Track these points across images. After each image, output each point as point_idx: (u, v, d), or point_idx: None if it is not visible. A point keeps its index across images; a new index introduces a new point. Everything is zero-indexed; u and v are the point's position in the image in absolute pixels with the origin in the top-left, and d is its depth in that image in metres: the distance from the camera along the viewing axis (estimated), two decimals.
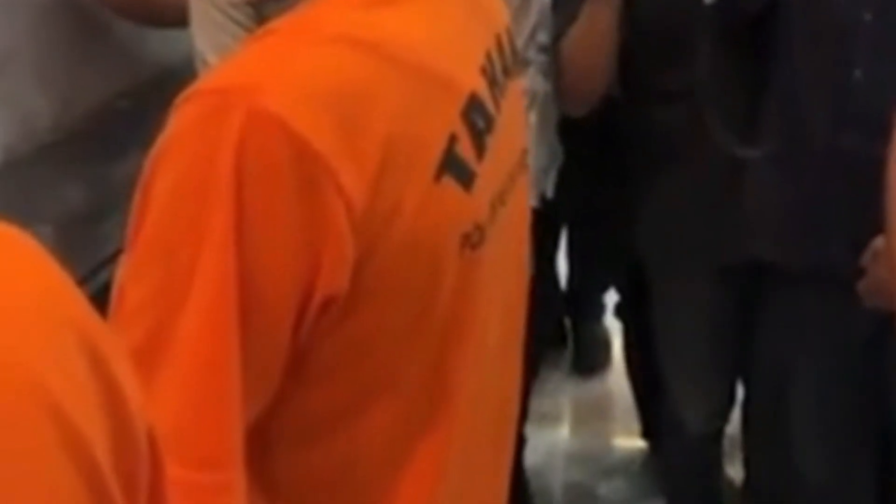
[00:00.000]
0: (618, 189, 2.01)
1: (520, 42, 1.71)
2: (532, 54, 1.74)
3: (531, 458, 2.44)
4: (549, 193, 1.90)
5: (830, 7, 1.61)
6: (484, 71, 0.90)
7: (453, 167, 0.83)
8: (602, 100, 1.86)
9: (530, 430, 2.54)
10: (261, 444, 0.82)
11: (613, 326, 2.77)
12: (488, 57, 0.91)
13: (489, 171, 0.88)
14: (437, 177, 0.82)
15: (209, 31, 1.47)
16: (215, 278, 0.74)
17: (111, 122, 1.67)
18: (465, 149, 0.84)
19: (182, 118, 0.77)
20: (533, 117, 1.75)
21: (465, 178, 0.84)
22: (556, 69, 1.80)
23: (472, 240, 0.86)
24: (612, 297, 2.78)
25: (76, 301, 0.52)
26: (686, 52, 1.72)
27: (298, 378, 0.81)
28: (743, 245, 1.80)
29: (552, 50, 1.78)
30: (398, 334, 0.83)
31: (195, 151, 0.76)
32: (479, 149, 0.86)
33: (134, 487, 0.52)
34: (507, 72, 0.94)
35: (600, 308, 2.86)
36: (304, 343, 0.79)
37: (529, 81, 1.74)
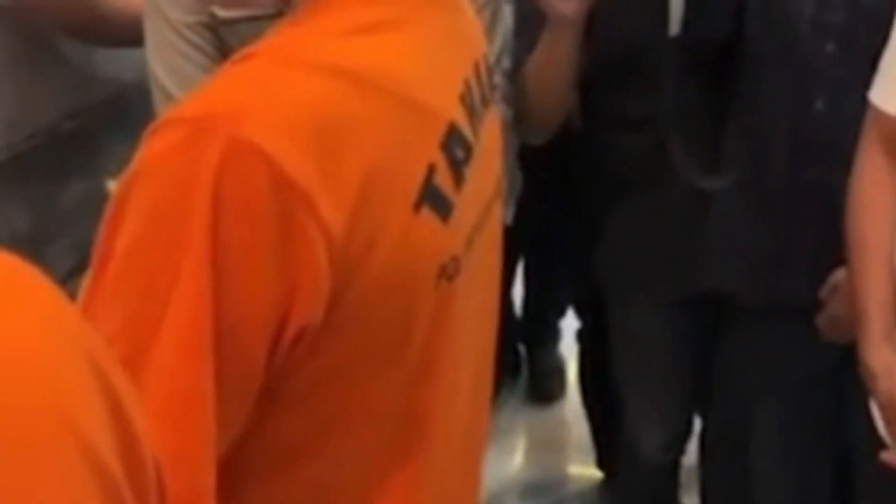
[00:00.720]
0: (576, 216, 2.00)
1: None
2: (497, 79, 1.72)
3: (486, 487, 2.41)
4: (508, 220, 1.88)
5: (793, 38, 1.60)
6: (463, 99, 0.89)
7: (432, 198, 0.82)
8: (561, 127, 1.85)
9: (484, 459, 2.51)
10: (230, 473, 0.80)
11: (569, 354, 2.75)
12: (467, 85, 0.90)
13: (466, 202, 0.87)
14: (416, 208, 0.81)
15: (164, 53, 1.44)
16: (190, 308, 0.73)
17: (57, 143, 1.63)
18: (443, 179, 0.83)
19: (160, 143, 0.75)
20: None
21: (444, 209, 0.84)
22: (515, 96, 1.78)
23: (448, 271, 0.85)
24: (567, 324, 2.76)
25: (83, 326, 0.53)
26: (646, 80, 1.71)
27: (270, 407, 0.80)
28: (703, 276, 1.79)
29: (512, 77, 1.77)
30: (372, 365, 0.82)
31: (173, 177, 0.74)
32: (458, 179, 0.85)
33: None
34: (484, 100, 0.94)
35: (556, 335, 2.84)
36: (277, 372, 0.78)
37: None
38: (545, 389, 2.84)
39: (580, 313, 2.50)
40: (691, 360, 1.99)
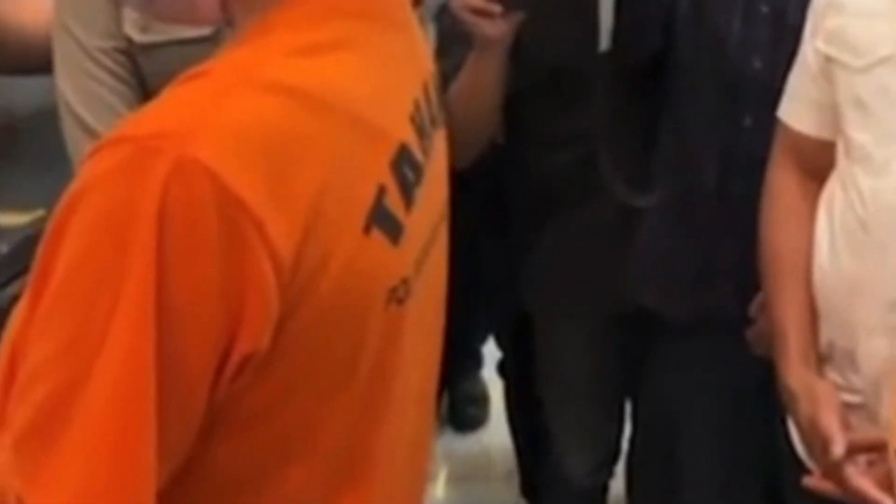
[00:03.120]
0: (500, 236, 1.99)
1: None
2: None
3: None
4: None
5: (721, 54, 1.61)
6: (413, 120, 0.88)
7: (382, 220, 0.81)
8: (488, 145, 1.83)
9: None
10: None
11: (492, 379, 2.73)
12: (416, 106, 0.89)
13: (416, 224, 0.86)
14: (366, 230, 0.79)
15: (76, 77, 1.41)
16: (132, 332, 0.70)
17: None
18: (393, 201, 0.82)
19: (103, 162, 0.73)
20: None
21: (394, 231, 0.82)
22: None
23: (398, 294, 0.83)
24: (490, 349, 2.74)
25: None
26: (575, 96, 1.71)
27: (212, 437, 0.77)
28: (629, 293, 1.79)
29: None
30: (320, 391, 0.80)
31: (116, 197, 0.71)
32: (408, 201, 0.84)
33: None
34: (433, 120, 0.93)
35: (478, 360, 2.82)
36: (220, 399, 0.75)
37: None
38: (467, 416, 2.82)
39: (500, 342, 2.48)
40: (617, 380, 2.00)
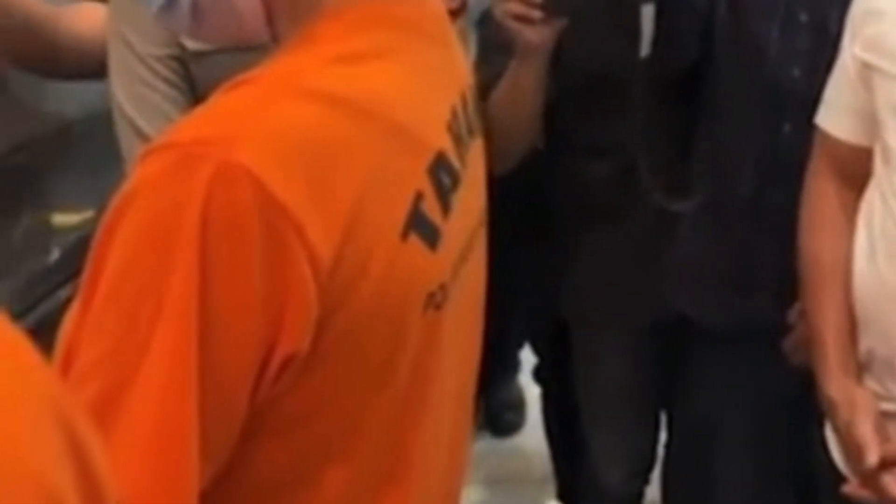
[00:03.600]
0: (540, 245, 1.99)
1: None
2: None
3: None
4: None
5: (759, 62, 1.62)
6: (450, 128, 0.89)
7: (419, 226, 0.82)
8: (527, 155, 1.84)
9: None
10: None
11: (529, 384, 2.74)
12: (454, 114, 0.91)
13: (454, 230, 0.87)
14: (404, 235, 0.80)
15: (130, 84, 1.44)
16: (176, 336, 0.72)
17: (6, 176, 1.59)
18: (430, 207, 0.83)
19: (151, 167, 0.75)
20: None
21: (431, 236, 0.83)
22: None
23: (436, 300, 0.84)
24: (527, 355, 2.75)
25: (50, 379, 0.51)
26: (613, 106, 1.72)
27: (254, 438, 0.78)
28: (668, 300, 1.79)
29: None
30: (358, 394, 0.81)
31: (161, 203, 0.74)
32: (445, 207, 0.85)
33: None
34: (471, 130, 0.94)
35: (515, 366, 2.82)
36: (262, 402, 0.77)
37: None
38: (505, 420, 2.83)
39: (536, 348, 2.48)
40: (654, 388, 2.00)
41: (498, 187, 1.90)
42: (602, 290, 1.90)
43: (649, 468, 2.10)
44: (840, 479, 1.45)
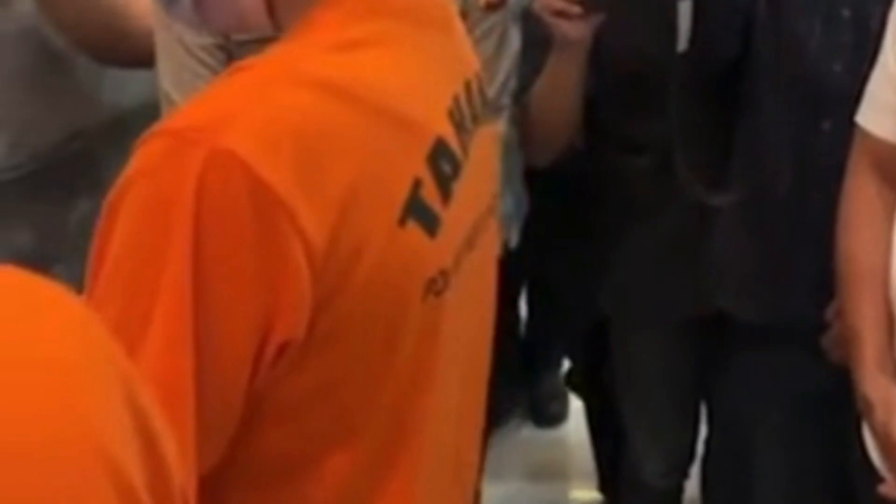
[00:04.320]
0: (580, 241, 2.00)
1: (493, 89, 1.71)
2: (505, 101, 1.74)
3: None
4: (513, 242, 1.89)
5: (800, 59, 1.61)
6: (451, 116, 0.89)
7: (418, 212, 0.82)
8: (567, 150, 1.85)
9: (485, 483, 2.50)
10: (214, 491, 0.80)
11: None
12: (456, 102, 0.91)
13: (455, 217, 0.87)
14: (402, 221, 0.81)
15: (177, 73, 1.45)
16: (172, 322, 0.73)
17: (64, 163, 1.63)
18: (430, 194, 0.84)
19: (145, 155, 0.76)
20: (502, 166, 1.74)
21: (430, 223, 0.84)
22: (521, 119, 1.79)
23: (437, 286, 0.85)
24: None
25: (115, 350, 0.52)
26: (652, 102, 1.71)
27: (257, 424, 0.79)
28: (706, 297, 1.79)
29: (519, 99, 1.78)
30: (358, 379, 0.82)
31: (156, 190, 0.75)
32: (445, 194, 0.86)
33: None
34: (475, 118, 0.94)
35: (559, 358, 2.83)
36: (262, 388, 0.78)
37: (501, 128, 1.74)
38: (548, 412, 2.83)
39: (571, 353, 2.49)
40: (693, 383, 2.00)
41: (538, 184, 1.93)
42: (641, 285, 1.90)
43: (688, 463, 2.10)
44: (877, 478, 1.45)
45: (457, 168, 0.88)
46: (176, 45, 1.45)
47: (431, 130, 0.86)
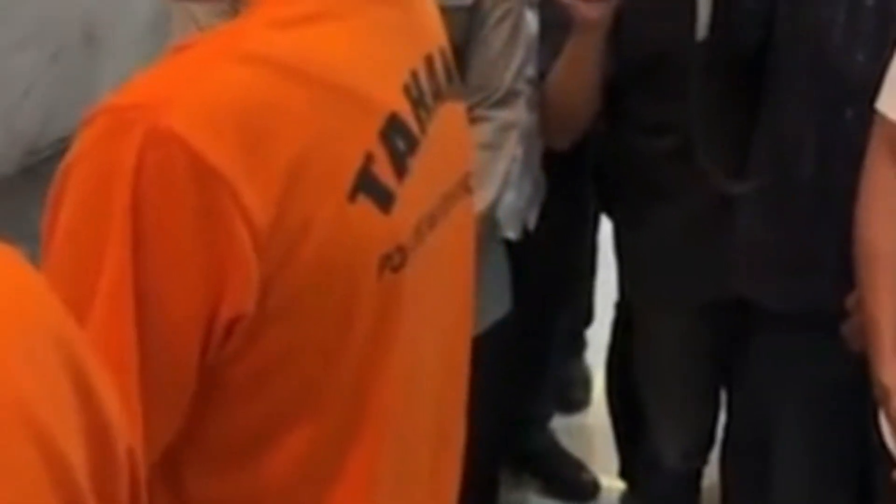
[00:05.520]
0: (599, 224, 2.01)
1: (509, 75, 1.72)
2: (521, 86, 1.75)
3: (506, 494, 2.42)
4: (531, 225, 1.90)
5: (823, 47, 1.60)
6: (407, 91, 0.88)
7: (369, 187, 0.81)
8: (586, 133, 1.85)
9: (508, 470, 2.51)
10: (173, 472, 0.81)
11: (595, 363, 2.74)
12: (414, 77, 0.89)
13: (414, 193, 0.86)
14: (352, 196, 0.80)
15: None
16: (114, 296, 0.73)
17: None
18: (382, 169, 0.83)
19: (87, 135, 0.76)
20: (519, 150, 1.76)
21: (383, 198, 0.83)
22: (540, 102, 1.80)
23: (393, 262, 0.84)
24: (592, 333, 2.76)
25: (56, 312, 0.51)
26: (671, 85, 1.72)
27: (213, 403, 0.80)
28: (727, 282, 1.79)
29: (537, 83, 1.78)
30: (314, 355, 0.82)
31: (97, 168, 0.75)
32: (400, 170, 0.85)
33: None
34: (438, 93, 0.92)
35: (582, 345, 2.84)
36: (213, 367, 0.78)
37: (517, 114, 1.76)
38: (571, 398, 2.83)
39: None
40: (712, 367, 2.00)
41: (558, 167, 1.94)
42: (661, 268, 1.90)
43: (707, 447, 2.10)
44: (894, 464, 1.45)
45: (413, 144, 0.86)
46: (192, 27, 1.46)
47: (384, 105, 0.85)
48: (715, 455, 2.09)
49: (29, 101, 1.55)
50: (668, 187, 1.83)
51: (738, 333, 1.87)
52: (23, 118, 1.57)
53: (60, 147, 1.65)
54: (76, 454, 0.48)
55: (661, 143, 1.79)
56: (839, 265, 1.61)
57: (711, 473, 2.12)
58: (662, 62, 1.72)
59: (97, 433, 0.50)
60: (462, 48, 1.64)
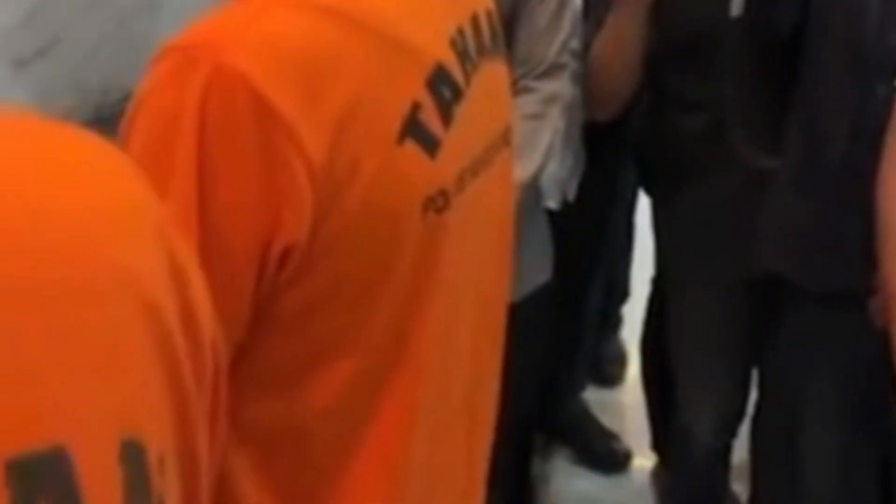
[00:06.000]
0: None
1: (554, 48, 1.76)
2: (566, 59, 1.79)
3: (537, 466, 2.47)
4: (571, 197, 1.93)
5: (858, 27, 1.61)
6: (454, 44, 0.92)
7: (416, 133, 0.85)
8: (626, 109, 1.89)
9: (541, 438, 2.56)
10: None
11: (630, 339, 2.78)
12: (460, 31, 0.93)
13: (457, 140, 0.90)
14: (399, 141, 0.84)
15: None
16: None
17: None
18: (429, 116, 0.87)
19: (155, 73, 0.79)
20: (562, 122, 1.80)
21: (429, 144, 0.87)
22: (583, 73, 1.84)
23: (437, 204, 0.88)
24: (628, 311, 2.80)
25: (154, 197, 0.53)
26: (711, 64, 1.74)
27: (262, 330, 0.83)
28: (759, 259, 1.81)
29: (582, 56, 1.82)
30: (358, 291, 0.86)
31: (164, 105, 0.78)
32: (445, 117, 0.89)
33: (202, 394, 0.53)
34: (482, 50, 0.96)
35: (618, 321, 2.87)
36: (267, 295, 0.82)
37: (562, 86, 1.79)
38: (607, 373, 2.87)
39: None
40: (745, 344, 2.02)
41: (596, 141, 1.97)
42: (697, 245, 1.93)
43: (737, 422, 2.14)
44: None
45: (458, 94, 0.90)
46: None
47: (431, 56, 0.89)
48: (744, 430, 2.12)
49: (96, 61, 1.62)
50: (705, 165, 1.86)
51: (771, 311, 1.89)
52: (91, 77, 1.65)
53: (125, 105, 1.72)
54: (178, 333, 0.50)
55: (698, 120, 1.82)
56: (868, 243, 1.63)
57: (741, 449, 2.15)
58: (702, 41, 1.75)
59: (188, 319, 0.52)
60: (510, 21, 1.68)
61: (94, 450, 0.42)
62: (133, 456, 0.44)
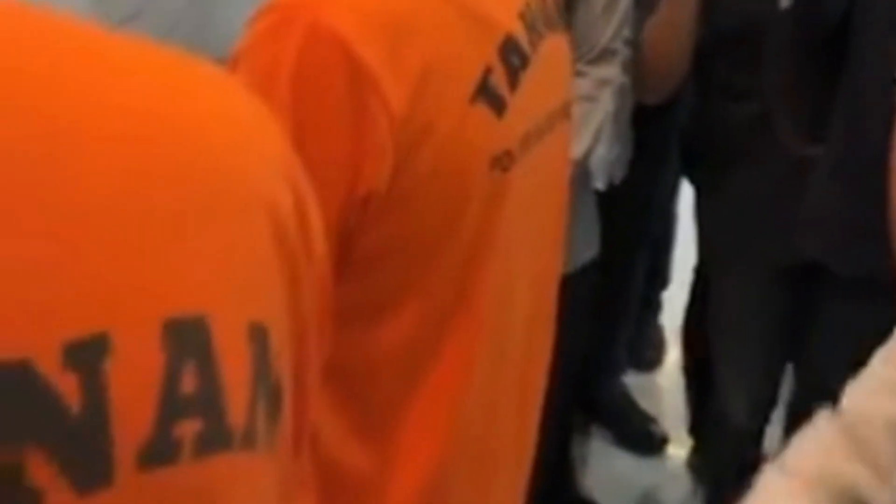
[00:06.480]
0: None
1: (608, 33, 1.82)
2: (617, 46, 1.84)
3: (575, 444, 2.52)
4: (617, 180, 1.98)
5: None
6: (522, 17, 0.98)
7: (487, 94, 0.91)
8: (673, 98, 1.93)
9: (580, 419, 2.60)
10: None
11: (669, 323, 2.82)
12: (528, 6, 1.00)
13: (522, 105, 0.96)
14: (472, 101, 0.90)
15: None
16: None
17: None
18: (498, 80, 0.93)
19: (253, 30, 0.85)
20: (611, 106, 1.85)
21: (498, 105, 0.92)
22: (635, 60, 1.88)
23: (503, 163, 0.94)
24: (668, 296, 2.84)
25: (285, 143, 0.57)
26: (759, 52, 1.78)
27: (339, 273, 0.88)
28: (800, 247, 1.84)
29: (633, 43, 1.87)
30: (430, 236, 0.91)
31: (261, 61, 0.84)
32: (513, 82, 0.94)
33: (314, 307, 0.56)
34: (548, 23, 1.02)
35: (657, 306, 2.92)
36: (348, 237, 0.88)
37: (613, 71, 1.84)
38: (645, 357, 2.91)
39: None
40: (782, 330, 2.05)
41: (643, 127, 2.02)
42: (738, 232, 1.97)
43: (770, 406, 2.16)
44: None
45: (525, 61, 0.97)
46: None
47: (503, 26, 0.95)
48: (777, 416, 2.16)
49: (174, 37, 1.70)
50: (749, 153, 1.88)
51: (810, 300, 1.93)
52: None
53: None
54: (302, 257, 0.53)
55: (745, 109, 1.85)
56: None
57: (773, 436, 2.17)
58: (751, 31, 1.79)
59: (308, 249, 0.55)
60: (569, 3, 1.73)
61: (228, 324, 0.45)
62: (260, 337, 0.47)
